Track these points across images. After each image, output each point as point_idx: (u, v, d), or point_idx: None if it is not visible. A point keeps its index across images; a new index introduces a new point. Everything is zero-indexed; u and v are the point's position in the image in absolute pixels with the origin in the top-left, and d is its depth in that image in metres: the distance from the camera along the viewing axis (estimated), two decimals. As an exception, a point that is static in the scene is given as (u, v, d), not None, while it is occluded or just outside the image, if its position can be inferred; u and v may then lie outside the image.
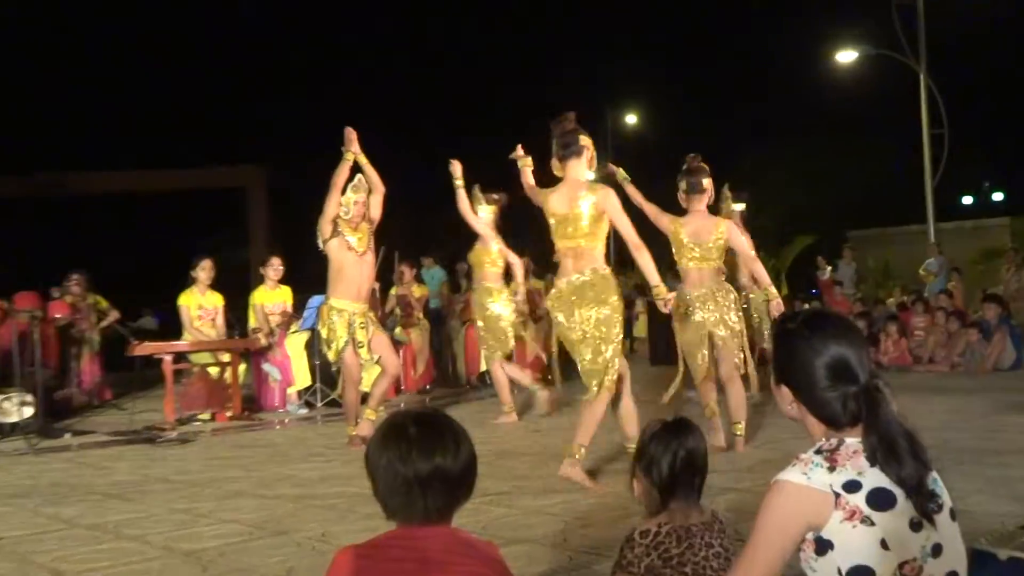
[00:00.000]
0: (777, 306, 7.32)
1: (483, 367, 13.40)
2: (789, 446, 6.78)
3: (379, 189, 8.36)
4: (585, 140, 6.58)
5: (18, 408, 9.13)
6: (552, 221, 6.54)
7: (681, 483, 2.80)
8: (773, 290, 7.49)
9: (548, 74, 34.24)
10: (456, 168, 9.41)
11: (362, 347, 8.20)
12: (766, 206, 33.84)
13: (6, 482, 6.98)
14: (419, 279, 13.59)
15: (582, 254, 6.39)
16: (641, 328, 17.91)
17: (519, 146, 7.49)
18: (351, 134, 8.26)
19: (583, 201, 6.39)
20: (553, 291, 6.54)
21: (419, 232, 27.43)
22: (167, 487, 6.60)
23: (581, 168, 6.55)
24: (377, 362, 8.44)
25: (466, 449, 2.30)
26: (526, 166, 7.28)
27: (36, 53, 26.61)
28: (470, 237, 10.10)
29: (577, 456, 6.19)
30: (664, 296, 6.33)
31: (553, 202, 6.52)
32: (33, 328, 9.22)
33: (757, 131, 33.52)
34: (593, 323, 6.27)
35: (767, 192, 33.54)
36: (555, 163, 6.64)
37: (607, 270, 6.42)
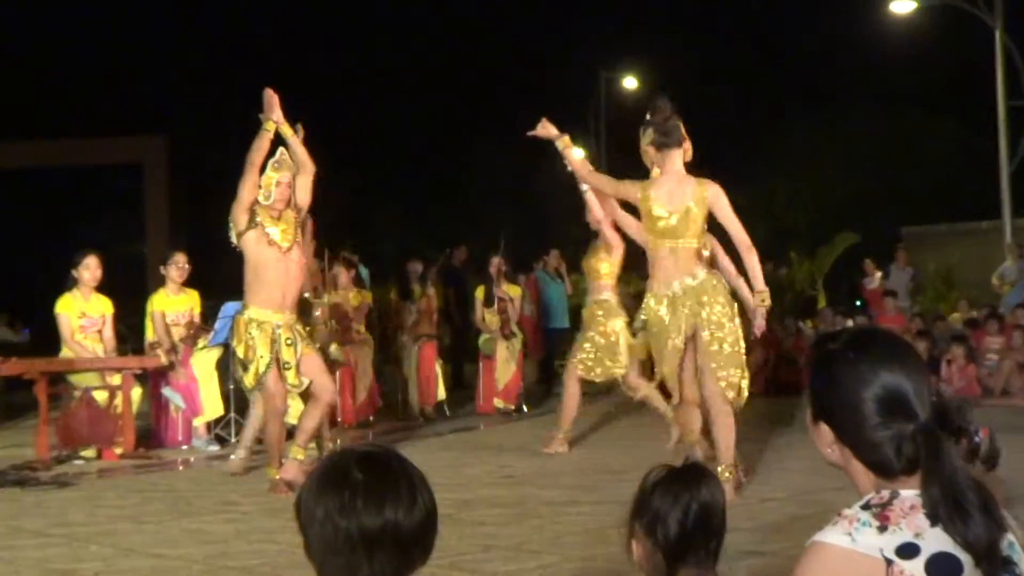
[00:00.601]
0: (762, 318, 7.44)
1: (440, 395, 13.46)
2: (827, 498, 6.81)
3: (308, 168, 8.37)
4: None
5: None
6: (657, 219, 7.35)
7: (693, 546, 2.80)
8: (766, 295, 7.55)
9: (530, 24, 34.35)
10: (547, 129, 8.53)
11: (289, 369, 8.20)
12: (796, 196, 34.12)
13: None
14: (358, 282, 13.52)
15: (689, 256, 7.31)
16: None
17: (545, 121, 7.85)
18: (271, 98, 8.26)
19: (694, 197, 7.24)
20: (652, 298, 7.41)
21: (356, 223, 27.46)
22: (41, 542, 6.58)
23: (679, 160, 7.39)
24: (307, 388, 8.43)
25: (424, 499, 2.29)
26: (568, 147, 7.77)
27: None
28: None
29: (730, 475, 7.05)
30: (766, 304, 7.35)
31: (657, 197, 7.26)
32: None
33: (785, 100, 33.72)
34: (717, 327, 7.27)
35: (796, 178, 33.82)
36: (649, 152, 7.23)
37: (716, 273, 7.49)
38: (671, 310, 7.39)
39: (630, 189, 7.69)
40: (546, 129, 8.41)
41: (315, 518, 2.24)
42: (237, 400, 11.12)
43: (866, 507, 2.22)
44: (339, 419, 12.09)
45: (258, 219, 8.22)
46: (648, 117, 7.57)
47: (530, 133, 8.49)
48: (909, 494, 2.21)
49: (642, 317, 7.78)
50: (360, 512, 2.20)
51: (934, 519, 2.17)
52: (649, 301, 7.56)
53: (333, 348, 12.21)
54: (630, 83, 32.87)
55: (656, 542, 2.82)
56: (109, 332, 10.83)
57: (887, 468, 2.26)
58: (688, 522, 2.80)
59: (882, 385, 2.26)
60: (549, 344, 16.51)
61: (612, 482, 8.04)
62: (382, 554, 2.20)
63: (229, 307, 10.73)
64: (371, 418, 12.90)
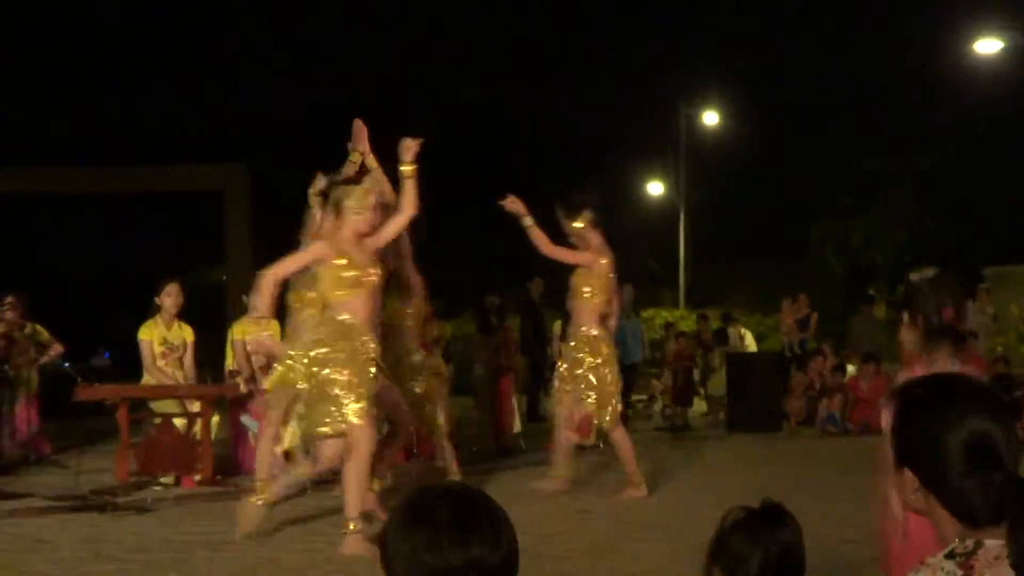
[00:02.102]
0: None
1: (517, 428, 13.47)
2: (906, 542, 6.74)
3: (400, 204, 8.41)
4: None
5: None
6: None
7: (774, 588, 2.80)
8: None
9: (608, 58, 34.39)
10: (516, 205, 9.37)
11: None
12: (878, 233, 33.82)
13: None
14: (436, 314, 13.61)
15: None
16: (717, 383, 17.86)
17: (513, 198, 8.23)
18: (360, 129, 8.31)
19: None
20: None
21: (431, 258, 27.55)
22: (119, 567, 6.67)
23: None
24: (386, 420, 8.46)
25: (507, 537, 2.31)
26: (531, 228, 8.16)
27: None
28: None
29: None
30: None
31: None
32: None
33: (869, 141, 33.47)
34: None
35: (880, 216, 33.53)
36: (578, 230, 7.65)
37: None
38: None
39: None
40: (515, 206, 9.13)
41: (401, 554, 2.27)
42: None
43: (950, 556, 2.21)
44: (415, 451, 12.13)
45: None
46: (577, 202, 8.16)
47: (501, 203, 9.23)
48: (994, 544, 2.20)
49: None
50: (446, 549, 2.23)
51: (1019, 570, 2.15)
52: None
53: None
54: (710, 118, 32.82)
55: (737, 585, 2.81)
56: (189, 359, 10.96)
57: (972, 517, 2.24)
58: (768, 564, 2.79)
59: (969, 432, 2.25)
60: (624, 378, 16.48)
61: (687, 520, 8.00)
62: (466, 591, 2.23)
63: (309, 337, 10.83)
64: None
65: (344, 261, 7.47)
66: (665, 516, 8.46)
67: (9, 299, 12.42)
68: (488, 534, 2.28)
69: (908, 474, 2.35)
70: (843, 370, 16.85)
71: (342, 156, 8.35)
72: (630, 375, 16.51)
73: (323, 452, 7.32)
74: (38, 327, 12.79)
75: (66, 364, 12.93)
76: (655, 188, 34.72)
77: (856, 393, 16.04)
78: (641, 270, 29.98)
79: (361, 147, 8.29)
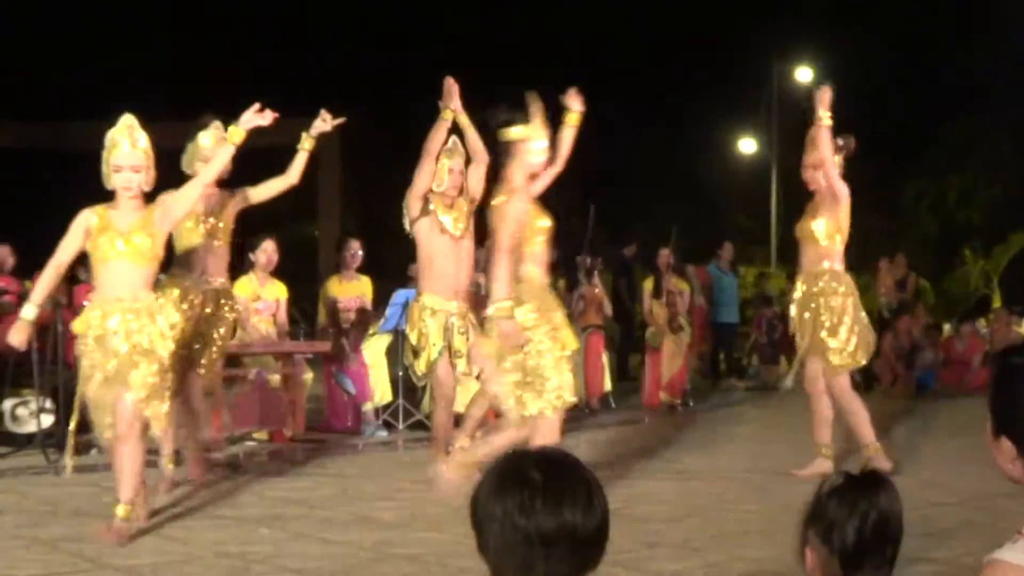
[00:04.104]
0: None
1: (607, 387, 13.48)
2: (1000, 505, 6.66)
3: (482, 158, 8.40)
4: None
5: (35, 416, 9.44)
6: None
7: (870, 554, 2.77)
8: None
9: (702, 15, 34.05)
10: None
11: (460, 357, 8.28)
12: (974, 191, 33.25)
13: (20, 508, 7.23)
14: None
15: None
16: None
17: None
18: (451, 86, 8.29)
19: None
20: None
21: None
22: (214, 523, 6.77)
23: None
24: (477, 377, 8.50)
25: (600, 503, 2.32)
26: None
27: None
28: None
29: None
30: None
31: None
32: (56, 318, 9.51)
33: (969, 92, 32.82)
34: None
35: (975, 173, 32.95)
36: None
37: None
38: None
39: None
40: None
41: (492, 516, 2.28)
42: (406, 387, 11.27)
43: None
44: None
45: (431, 207, 8.29)
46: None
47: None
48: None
49: None
50: (539, 512, 2.23)
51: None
52: None
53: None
54: (803, 74, 32.38)
55: (832, 549, 2.80)
56: (283, 316, 11.05)
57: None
58: (866, 530, 2.77)
59: (1069, 400, 2.22)
60: (718, 338, 16.42)
61: (781, 482, 7.95)
62: (558, 555, 2.23)
63: (400, 294, 10.90)
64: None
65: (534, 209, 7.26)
66: (757, 477, 8.41)
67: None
68: (581, 499, 2.28)
69: (1005, 443, 2.32)
70: (939, 330, 16.64)
71: (433, 114, 8.33)
72: (726, 334, 16.46)
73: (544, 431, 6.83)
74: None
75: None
76: (747, 145, 34.40)
77: (950, 354, 15.84)
78: (736, 227, 29.76)
79: (453, 104, 8.27)
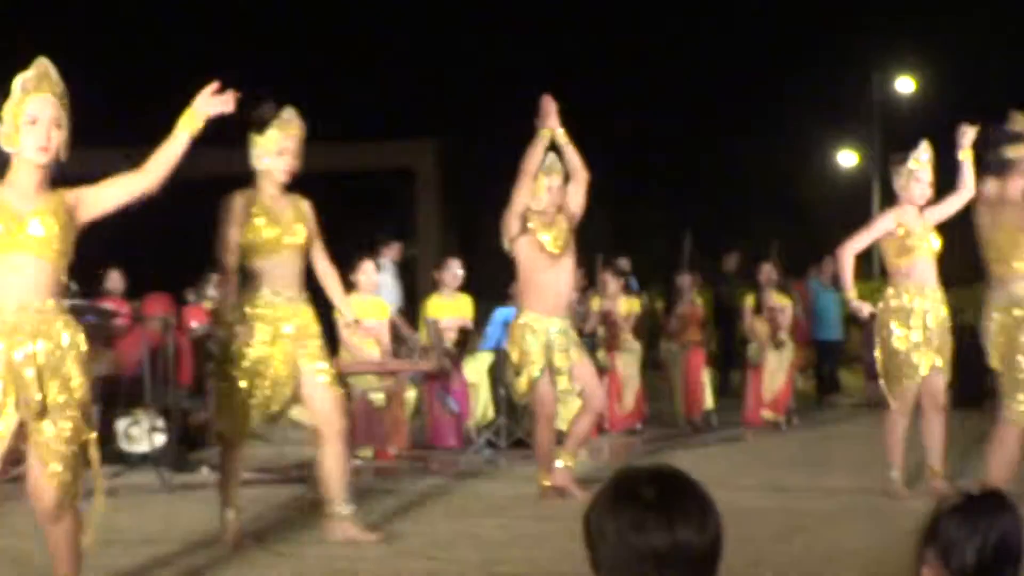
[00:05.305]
0: None
1: (708, 404, 13.41)
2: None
3: (581, 175, 8.42)
4: None
5: (148, 435, 9.63)
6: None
7: (990, 574, 2.75)
8: None
9: (801, 25, 33.79)
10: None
11: (561, 375, 8.30)
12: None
13: (133, 526, 7.35)
14: (627, 290, 13.69)
15: None
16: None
17: None
18: (548, 105, 8.34)
19: None
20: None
21: (621, 231, 27.48)
22: (322, 540, 6.84)
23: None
24: (578, 394, 8.52)
25: (713, 520, 2.33)
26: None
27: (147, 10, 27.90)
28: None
29: None
30: None
31: None
32: (166, 339, 9.70)
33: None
34: None
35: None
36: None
37: None
38: None
39: None
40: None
41: (606, 534, 2.30)
42: (508, 405, 11.30)
43: None
44: (606, 426, 12.20)
45: (530, 225, 8.32)
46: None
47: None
48: None
49: None
50: (652, 530, 2.25)
51: None
52: None
53: (600, 355, 12.34)
54: (903, 85, 31.99)
55: (951, 570, 2.77)
56: (385, 335, 11.14)
57: None
58: (987, 550, 2.74)
59: None
60: (821, 355, 16.25)
61: (889, 501, 7.85)
62: (671, 573, 2.25)
63: (500, 313, 10.96)
64: (638, 426, 12.94)
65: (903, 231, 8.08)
66: (863, 496, 8.29)
67: (215, 276, 12.84)
68: (694, 517, 2.30)
69: None
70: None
71: (530, 132, 8.36)
72: (829, 351, 16.26)
73: None
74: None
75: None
76: (846, 158, 33.99)
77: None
78: (838, 242, 29.37)
79: (551, 123, 8.30)
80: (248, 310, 6.66)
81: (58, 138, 4.85)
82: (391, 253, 13.20)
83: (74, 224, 4.92)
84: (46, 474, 4.72)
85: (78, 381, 4.77)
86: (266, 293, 6.68)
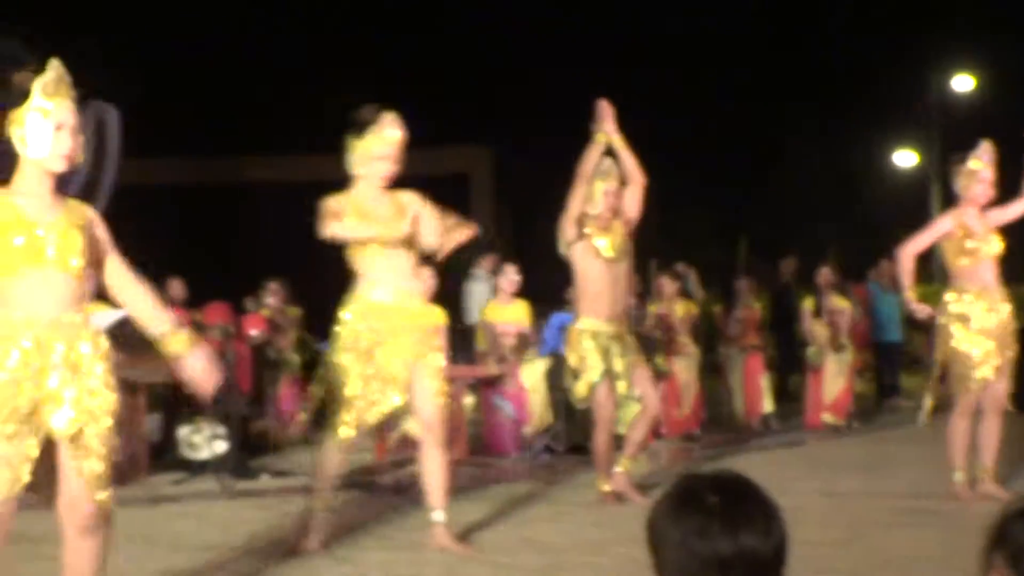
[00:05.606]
0: None
1: (767, 408, 13.34)
2: None
3: (637, 179, 8.42)
4: None
5: (209, 442, 9.71)
6: None
7: (1061, 582, 2.72)
8: None
9: (855, 23, 33.58)
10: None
11: (620, 380, 8.29)
12: None
13: (194, 532, 7.45)
14: (684, 293, 13.67)
15: None
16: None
17: None
18: (605, 109, 8.33)
19: None
20: None
21: (677, 234, 27.37)
22: (383, 545, 6.89)
23: None
24: (637, 399, 8.51)
25: (778, 526, 2.33)
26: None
27: (210, 24, 28.08)
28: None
29: None
30: None
31: None
32: (226, 347, 9.78)
33: None
34: None
35: None
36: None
37: None
38: None
39: None
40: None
41: (669, 540, 2.31)
42: (566, 410, 11.29)
43: None
44: (663, 431, 12.17)
45: (586, 230, 8.32)
46: None
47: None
48: None
49: None
50: (717, 536, 2.25)
51: None
52: None
53: (658, 360, 12.30)
54: (960, 83, 31.63)
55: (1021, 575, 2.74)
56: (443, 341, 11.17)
57: None
58: (1059, 556, 2.70)
59: None
60: (881, 357, 16.11)
61: (952, 506, 7.78)
62: (736, 579, 2.24)
63: (557, 318, 10.96)
64: (696, 431, 12.88)
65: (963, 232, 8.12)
66: (925, 501, 8.22)
67: (273, 285, 12.98)
68: (758, 523, 2.30)
69: None
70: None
71: (585, 137, 8.36)
72: (889, 353, 16.12)
73: None
74: (300, 310, 13.31)
75: (324, 346, 13.35)
76: (903, 158, 33.67)
77: None
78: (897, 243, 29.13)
79: (607, 127, 8.29)
80: (356, 309, 6.67)
81: (76, 145, 4.67)
82: (487, 264, 13.34)
83: (94, 243, 4.72)
84: (85, 477, 4.56)
85: (106, 392, 4.61)
86: (371, 291, 6.68)
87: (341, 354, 6.65)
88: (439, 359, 6.80)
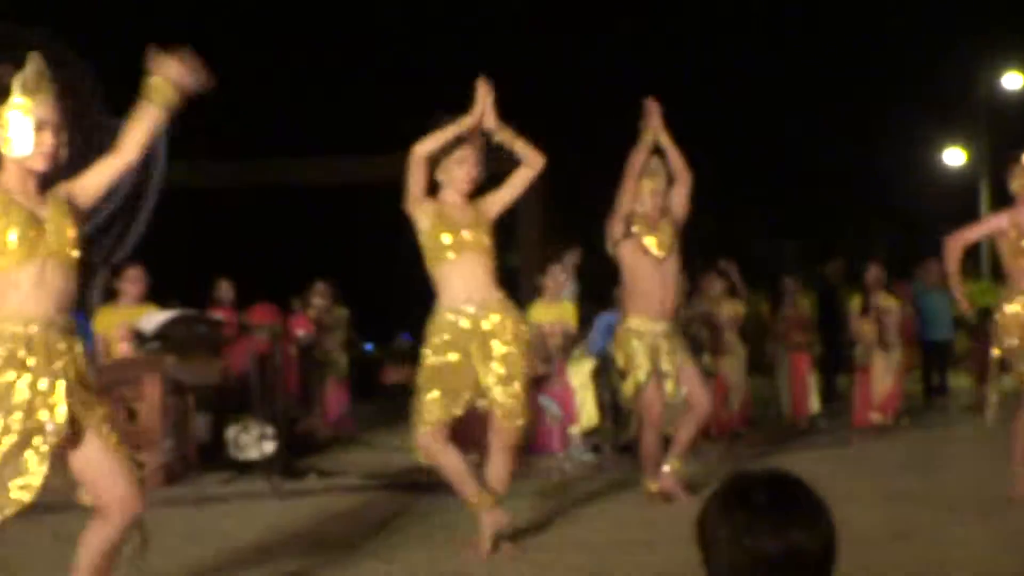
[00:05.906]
0: None
1: (814, 407, 13.27)
2: None
3: (684, 178, 8.41)
4: None
5: (257, 442, 9.76)
6: None
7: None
8: None
9: (903, 23, 33.37)
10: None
11: (668, 379, 8.26)
12: None
13: (242, 531, 7.48)
14: (731, 292, 13.63)
15: None
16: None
17: None
18: (653, 108, 8.32)
19: None
20: None
21: (722, 232, 27.31)
22: (427, 543, 6.90)
23: None
24: (685, 399, 8.47)
25: (826, 524, 2.32)
26: None
27: (258, 27, 28.22)
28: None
29: None
30: None
31: None
32: (274, 347, 9.83)
33: None
34: None
35: None
36: None
37: None
38: None
39: None
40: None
41: (718, 539, 2.30)
42: (613, 409, 11.29)
43: None
44: (711, 431, 12.11)
45: (634, 229, 8.30)
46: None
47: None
48: None
49: None
50: (765, 534, 2.25)
51: None
52: None
53: (705, 359, 12.26)
54: (1010, 81, 31.33)
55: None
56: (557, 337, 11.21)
57: None
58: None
59: None
60: (928, 356, 15.98)
61: (1002, 506, 7.69)
62: (785, 576, 2.23)
63: (604, 317, 10.95)
64: (742, 430, 12.83)
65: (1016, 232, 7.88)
66: (976, 500, 8.13)
67: (319, 286, 13.04)
68: (807, 521, 2.29)
69: None
70: None
71: (633, 135, 8.35)
72: (936, 352, 15.98)
73: None
74: (347, 312, 13.36)
75: (369, 347, 13.43)
76: (952, 156, 33.38)
77: None
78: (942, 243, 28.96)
79: (654, 124, 8.27)
80: (440, 317, 6.69)
81: (59, 142, 4.54)
82: (572, 258, 13.36)
83: (83, 221, 4.62)
84: (116, 457, 4.50)
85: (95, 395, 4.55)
86: (453, 300, 6.69)
87: (427, 359, 6.70)
88: (520, 367, 6.74)
